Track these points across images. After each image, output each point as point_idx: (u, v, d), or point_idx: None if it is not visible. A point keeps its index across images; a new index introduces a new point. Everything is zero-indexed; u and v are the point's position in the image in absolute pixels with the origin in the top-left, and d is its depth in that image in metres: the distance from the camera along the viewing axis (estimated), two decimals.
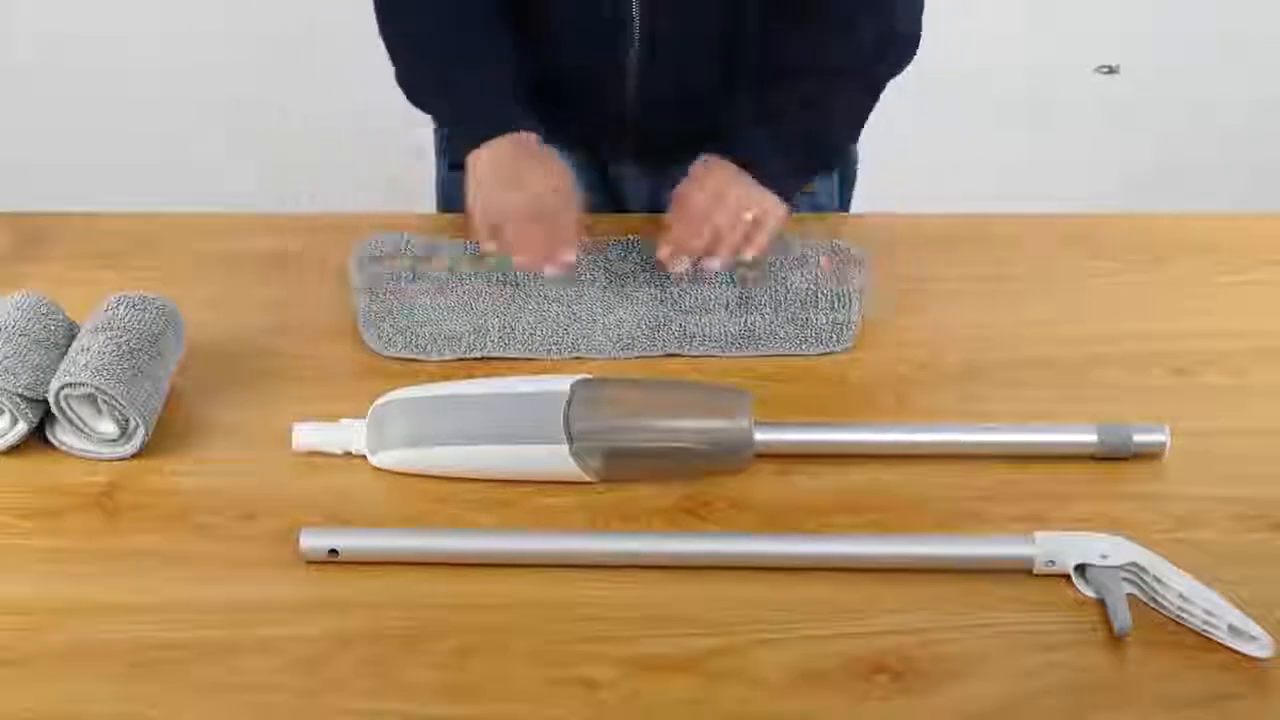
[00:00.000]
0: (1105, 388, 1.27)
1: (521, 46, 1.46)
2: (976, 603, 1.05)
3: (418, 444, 1.16)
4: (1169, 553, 1.06)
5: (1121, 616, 1.01)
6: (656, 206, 1.60)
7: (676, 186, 1.38)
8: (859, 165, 1.66)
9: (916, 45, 1.45)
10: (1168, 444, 1.18)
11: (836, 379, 1.29)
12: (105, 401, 1.16)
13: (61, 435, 1.19)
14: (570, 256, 1.31)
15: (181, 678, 0.99)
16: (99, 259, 1.45)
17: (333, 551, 1.08)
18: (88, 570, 1.09)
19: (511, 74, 1.44)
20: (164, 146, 2.72)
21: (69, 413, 1.17)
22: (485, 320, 1.34)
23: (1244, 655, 1.00)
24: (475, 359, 1.30)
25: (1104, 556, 1.05)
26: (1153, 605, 1.04)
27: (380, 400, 1.19)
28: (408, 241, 1.44)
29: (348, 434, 1.18)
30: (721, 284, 1.37)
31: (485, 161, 1.38)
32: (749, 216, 1.35)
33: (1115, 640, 1.01)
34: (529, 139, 1.39)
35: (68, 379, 1.16)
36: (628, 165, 1.58)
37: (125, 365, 1.17)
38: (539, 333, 1.32)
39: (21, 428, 1.18)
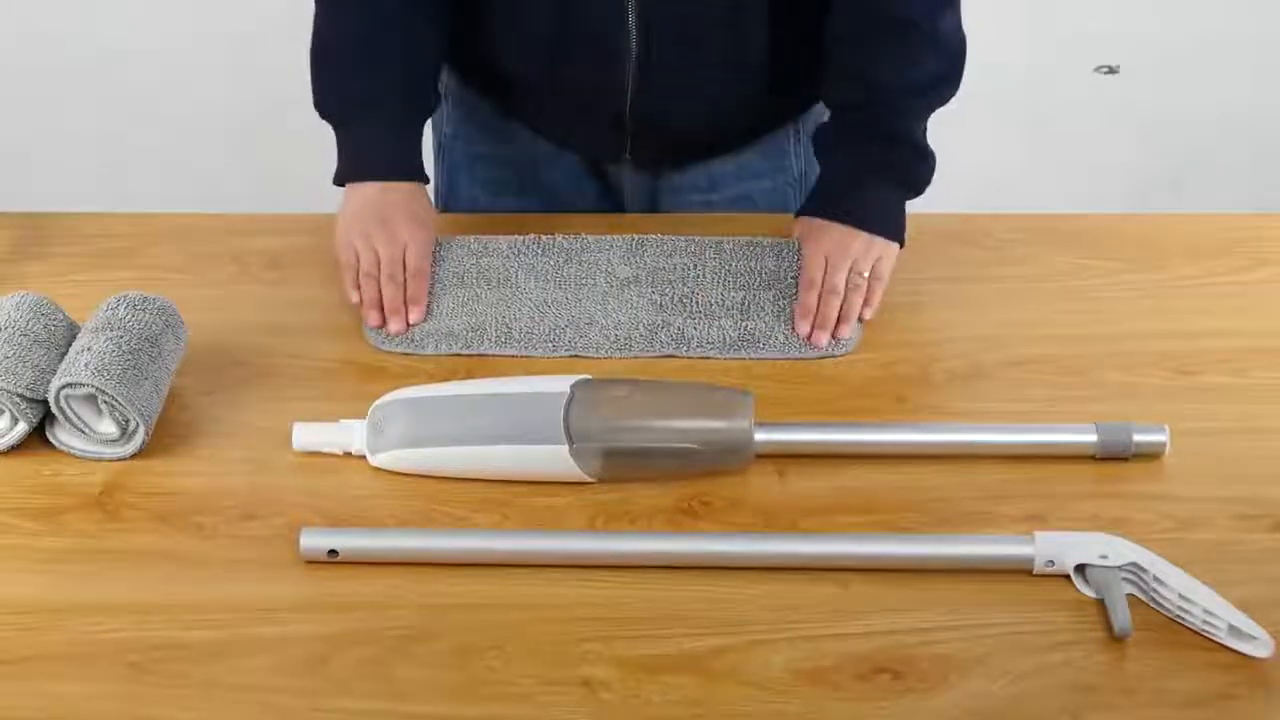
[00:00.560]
0: (1105, 388, 1.27)
1: (519, 49, 1.46)
2: (976, 603, 1.05)
3: (417, 444, 1.16)
4: (1169, 553, 1.06)
5: (1121, 616, 1.01)
6: (655, 206, 1.60)
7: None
8: None
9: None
10: (1168, 444, 1.18)
11: (836, 379, 1.29)
12: (105, 402, 1.16)
13: (61, 435, 1.19)
14: (415, 317, 1.33)
15: (181, 678, 0.99)
16: (99, 259, 1.45)
17: (332, 552, 1.08)
18: (88, 570, 1.09)
19: (422, 110, 1.45)
20: (164, 146, 2.72)
21: (69, 413, 1.17)
22: (483, 319, 1.33)
23: (1244, 655, 1.00)
24: (473, 355, 1.30)
25: (1104, 556, 1.05)
26: (1153, 605, 1.04)
27: (380, 400, 1.19)
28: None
29: (348, 434, 1.18)
30: (723, 289, 1.37)
31: (361, 198, 1.39)
32: (868, 273, 1.34)
33: (1115, 640, 1.01)
34: (412, 191, 1.40)
35: (68, 379, 1.16)
36: (626, 166, 1.58)
37: (125, 365, 1.17)
38: (537, 332, 1.32)
39: (22, 428, 1.18)
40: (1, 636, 1.03)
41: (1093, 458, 1.18)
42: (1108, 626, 1.02)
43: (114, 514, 1.14)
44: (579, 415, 1.14)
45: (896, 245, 1.36)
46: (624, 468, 1.15)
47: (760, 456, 1.17)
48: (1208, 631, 1.01)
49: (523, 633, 1.02)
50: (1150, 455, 1.18)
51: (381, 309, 1.34)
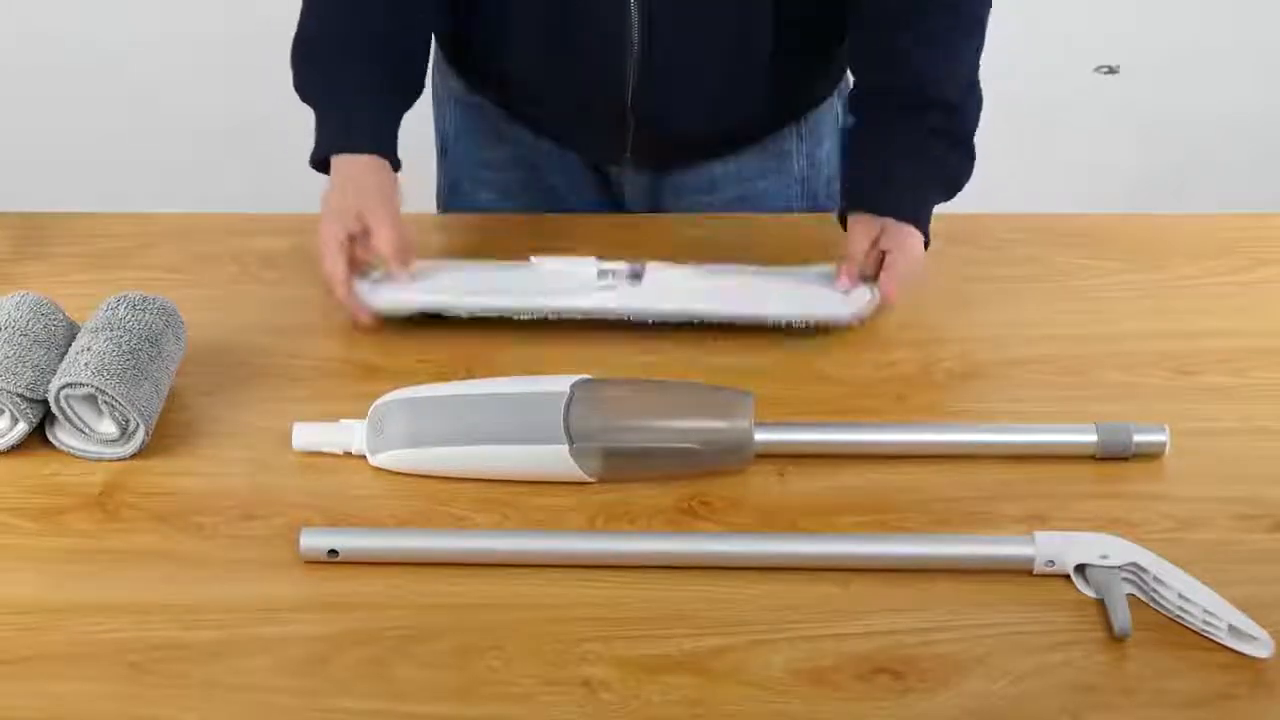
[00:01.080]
0: (1105, 388, 1.27)
1: (520, 45, 1.46)
2: (976, 603, 1.05)
3: (417, 444, 1.16)
4: (1169, 553, 1.06)
5: (1121, 616, 1.01)
6: (656, 207, 1.60)
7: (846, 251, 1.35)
8: None
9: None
10: (1168, 444, 1.18)
11: (836, 379, 1.29)
12: (105, 402, 1.16)
13: (61, 435, 1.19)
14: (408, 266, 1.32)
15: (181, 678, 0.99)
16: (99, 259, 1.45)
17: (332, 552, 1.08)
18: (88, 570, 1.09)
19: (405, 96, 1.43)
20: (164, 146, 2.72)
21: (69, 413, 1.17)
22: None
23: (1244, 655, 1.00)
24: (473, 351, 1.30)
25: (1104, 556, 1.05)
26: (1153, 605, 1.04)
27: (380, 400, 1.19)
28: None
29: (347, 434, 1.18)
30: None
31: (347, 171, 1.38)
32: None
33: (1115, 640, 1.01)
34: (378, 165, 1.38)
35: (68, 379, 1.16)
36: (627, 166, 1.57)
37: (125, 365, 1.17)
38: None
39: (22, 428, 1.18)
40: (1, 636, 1.03)
41: (1093, 458, 1.18)
42: (1108, 626, 1.02)
43: (114, 514, 1.14)
44: (579, 415, 1.15)
45: (924, 242, 1.35)
46: (624, 468, 1.15)
47: (760, 456, 1.17)
48: (1208, 631, 1.01)
49: (523, 633, 1.02)
50: (1150, 455, 1.18)
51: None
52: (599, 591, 1.06)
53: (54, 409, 1.17)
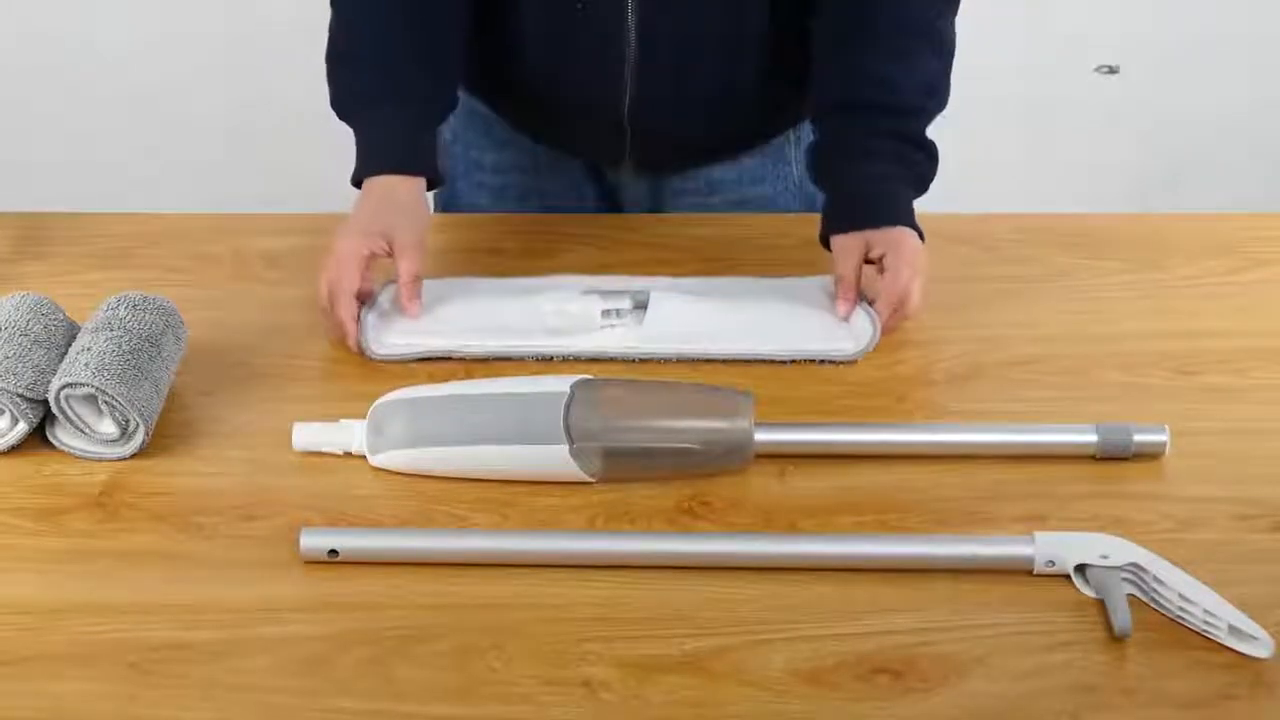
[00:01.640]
0: (1105, 388, 1.27)
1: (518, 52, 1.46)
2: (976, 603, 1.05)
3: (417, 444, 1.16)
4: (1169, 553, 1.06)
5: (1121, 616, 1.01)
6: (654, 211, 1.60)
7: (836, 270, 1.34)
8: None
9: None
10: (1168, 444, 1.18)
11: (836, 379, 1.29)
12: (106, 402, 1.16)
13: (61, 435, 1.19)
14: (413, 312, 1.32)
15: (181, 678, 0.99)
16: (99, 259, 1.45)
17: (332, 552, 1.08)
18: (88, 570, 1.09)
19: (441, 106, 1.42)
20: (164, 146, 2.72)
21: (69, 413, 1.17)
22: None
23: (1244, 655, 1.00)
24: (473, 360, 1.30)
25: (1104, 556, 1.05)
26: (1153, 605, 1.04)
27: (380, 400, 1.19)
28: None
29: (347, 434, 1.18)
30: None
31: (366, 196, 1.36)
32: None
33: (1115, 640, 1.01)
34: (416, 189, 1.37)
35: (69, 379, 1.16)
36: (625, 171, 1.57)
37: (126, 365, 1.17)
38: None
39: (22, 428, 1.18)
40: (1, 636, 1.03)
41: (1093, 458, 1.18)
42: (1108, 626, 1.02)
43: (114, 514, 1.14)
44: (579, 415, 1.14)
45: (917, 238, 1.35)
46: (624, 468, 1.15)
47: (760, 456, 1.17)
48: (1208, 631, 1.01)
49: (523, 633, 1.02)
50: (1150, 455, 1.18)
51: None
52: (599, 591, 1.06)
53: (54, 409, 1.17)
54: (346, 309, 1.30)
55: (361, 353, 1.30)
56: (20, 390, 1.17)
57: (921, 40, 1.38)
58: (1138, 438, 1.17)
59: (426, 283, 1.35)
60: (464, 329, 1.32)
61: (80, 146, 2.70)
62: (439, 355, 1.30)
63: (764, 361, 1.30)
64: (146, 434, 1.18)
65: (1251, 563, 1.08)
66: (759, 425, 1.16)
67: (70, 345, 1.22)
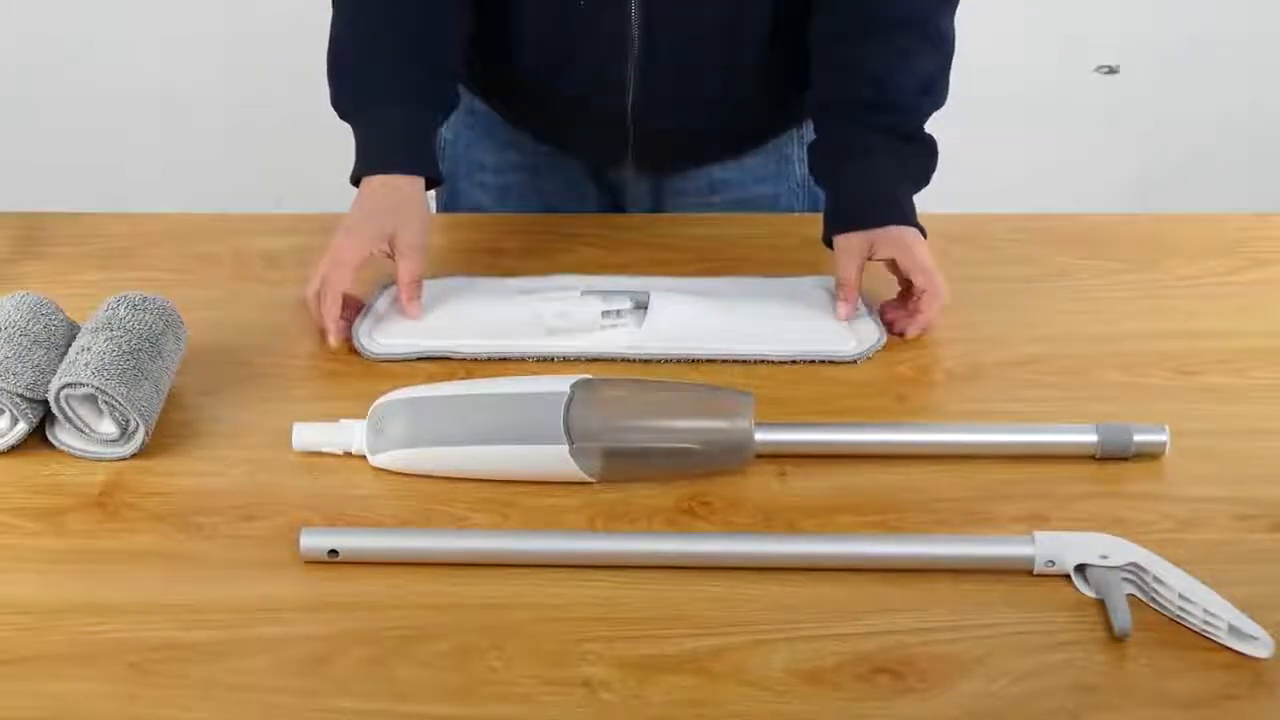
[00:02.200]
0: (1105, 388, 1.27)
1: (520, 49, 1.46)
2: (976, 603, 1.05)
3: (417, 444, 1.16)
4: (1169, 553, 1.06)
5: (1121, 616, 1.01)
6: (657, 210, 1.60)
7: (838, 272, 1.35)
8: None
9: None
10: (1168, 444, 1.18)
11: (836, 379, 1.29)
12: (106, 402, 1.16)
13: (61, 435, 1.19)
14: (413, 313, 1.33)
15: (181, 678, 0.99)
16: (99, 259, 1.45)
17: (332, 552, 1.08)
18: (88, 570, 1.09)
19: (442, 106, 1.42)
20: (164, 146, 2.73)
21: (69, 413, 1.17)
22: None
23: (1244, 655, 1.00)
24: (472, 360, 1.30)
25: (1104, 556, 1.05)
26: (1153, 605, 1.04)
27: (380, 400, 1.19)
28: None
29: (347, 434, 1.18)
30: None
31: (364, 196, 1.36)
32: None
33: (1115, 640, 1.01)
34: (413, 189, 1.37)
35: (69, 379, 1.16)
36: (628, 170, 1.57)
37: (126, 365, 1.17)
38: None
39: (22, 428, 1.18)
40: (1, 636, 1.03)
41: (1092, 458, 1.18)
42: (1108, 626, 1.02)
43: (114, 514, 1.14)
44: (579, 415, 1.14)
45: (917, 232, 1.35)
46: (624, 468, 1.15)
47: (760, 456, 1.17)
48: (1208, 631, 1.01)
49: (523, 633, 1.02)
50: (1150, 455, 1.18)
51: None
52: (599, 591, 1.06)
53: (54, 409, 1.17)
54: (330, 308, 1.30)
55: (353, 351, 1.30)
56: (20, 390, 1.17)
57: (920, 38, 1.38)
58: (1138, 438, 1.17)
59: (426, 283, 1.35)
60: (463, 329, 1.32)
61: (80, 146, 2.71)
62: (438, 355, 1.30)
63: (764, 362, 1.30)
64: (146, 434, 1.18)
65: (1251, 563, 1.08)
66: (759, 425, 1.16)
67: (70, 345, 1.22)
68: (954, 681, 0.99)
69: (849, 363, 1.30)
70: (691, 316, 1.33)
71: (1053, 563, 1.06)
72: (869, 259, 1.34)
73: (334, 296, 1.30)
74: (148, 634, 1.03)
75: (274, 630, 1.03)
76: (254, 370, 1.30)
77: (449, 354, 1.30)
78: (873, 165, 1.36)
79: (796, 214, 1.57)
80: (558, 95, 1.48)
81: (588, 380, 1.17)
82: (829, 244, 1.37)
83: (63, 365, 1.18)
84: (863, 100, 1.37)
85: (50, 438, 1.19)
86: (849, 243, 1.35)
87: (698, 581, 1.07)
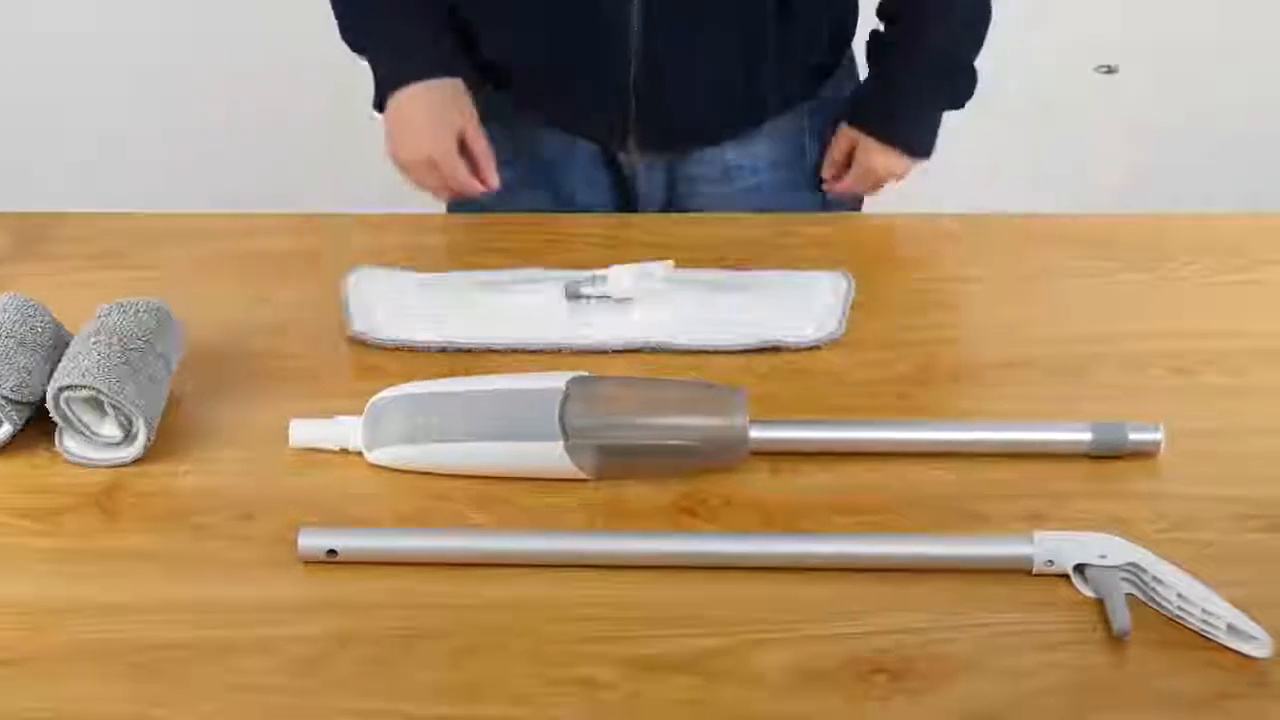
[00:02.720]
0: (1104, 388, 1.27)
1: (521, 23, 1.47)
2: (976, 603, 1.05)
3: (413, 440, 1.16)
4: (1168, 552, 1.06)
5: (1120, 616, 1.01)
6: (668, 198, 1.59)
7: (827, 154, 1.54)
8: None
9: None
10: (1162, 442, 1.18)
11: (834, 377, 1.29)
12: (110, 404, 1.16)
13: (70, 445, 1.18)
14: (493, 183, 1.49)
15: (181, 678, 0.99)
16: (99, 259, 1.45)
17: (331, 552, 1.08)
18: (88, 570, 1.09)
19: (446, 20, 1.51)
20: (164, 146, 2.72)
21: (70, 416, 1.17)
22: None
23: (1244, 655, 1.00)
24: (469, 351, 1.30)
25: (1103, 556, 1.05)
26: (1152, 605, 1.04)
27: (377, 397, 1.19)
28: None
29: (344, 430, 1.18)
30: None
31: (401, 106, 1.47)
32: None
33: (1115, 640, 1.01)
34: (452, 87, 1.47)
35: (70, 380, 1.15)
36: (636, 153, 1.57)
37: (127, 367, 1.17)
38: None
39: (6, 429, 1.18)
40: (2, 636, 1.03)
41: (1089, 456, 1.18)
42: (1107, 626, 1.02)
43: (114, 514, 1.14)
44: (574, 412, 1.15)
45: (915, 163, 1.48)
46: (619, 464, 1.15)
47: (758, 455, 1.17)
48: (1207, 631, 1.01)
49: (523, 633, 1.02)
50: (1146, 454, 1.18)
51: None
52: (599, 591, 1.06)
53: (54, 413, 1.17)
54: (459, 172, 1.46)
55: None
56: (5, 393, 1.17)
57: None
58: (1132, 436, 1.17)
59: (414, 277, 1.35)
60: (452, 321, 1.32)
61: (80, 146, 2.70)
62: (428, 347, 1.31)
63: (756, 350, 1.30)
64: (149, 436, 1.18)
65: (1250, 562, 1.08)
66: (754, 423, 1.16)
67: (57, 348, 1.22)
68: (953, 681, 0.99)
69: (810, 349, 1.30)
70: (661, 308, 1.33)
71: (1052, 562, 1.06)
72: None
73: (452, 163, 1.43)
74: (147, 634, 1.03)
75: (274, 630, 1.03)
76: (254, 370, 1.30)
77: (442, 346, 1.31)
78: (917, 83, 1.53)
79: (800, 214, 1.57)
80: (558, 66, 1.48)
81: (583, 377, 1.17)
82: (840, 120, 1.54)
83: (62, 366, 1.18)
84: (929, 14, 1.52)
85: (60, 450, 1.19)
86: (844, 132, 1.54)
87: (697, 581, 1.07)
